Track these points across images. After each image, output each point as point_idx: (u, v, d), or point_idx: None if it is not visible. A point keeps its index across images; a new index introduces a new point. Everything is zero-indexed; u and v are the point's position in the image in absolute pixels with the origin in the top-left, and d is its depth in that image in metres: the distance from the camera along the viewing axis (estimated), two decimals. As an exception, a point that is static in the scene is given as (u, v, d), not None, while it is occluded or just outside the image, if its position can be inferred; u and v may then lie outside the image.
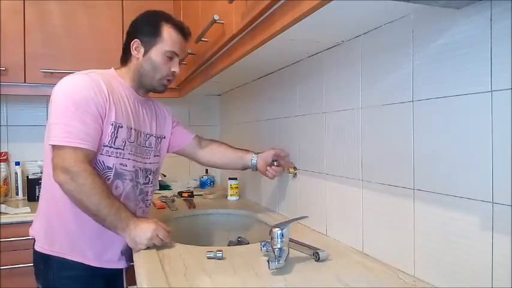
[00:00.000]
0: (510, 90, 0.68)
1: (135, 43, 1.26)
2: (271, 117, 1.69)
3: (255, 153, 1.49)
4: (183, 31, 1.29)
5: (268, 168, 1.44)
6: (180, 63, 1.31)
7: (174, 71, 1.28)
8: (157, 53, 1.25)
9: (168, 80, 1.30)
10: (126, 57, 1.30)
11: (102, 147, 1.16)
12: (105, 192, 1.09)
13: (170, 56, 1.26)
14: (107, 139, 1.16)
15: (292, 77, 1.49)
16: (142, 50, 1.26)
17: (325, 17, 0.88)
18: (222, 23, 1.20)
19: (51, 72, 1.94)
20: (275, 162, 1.46)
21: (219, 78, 1.70)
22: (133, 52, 1.27)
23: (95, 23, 2.04)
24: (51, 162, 1.11)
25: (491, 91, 0.71)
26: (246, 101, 2.04)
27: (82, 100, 1.11)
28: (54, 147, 1.10)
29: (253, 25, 1.04)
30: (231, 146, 1.56)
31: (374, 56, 1.03)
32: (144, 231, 1.10)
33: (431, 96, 0.84)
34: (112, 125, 1.17)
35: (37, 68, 1.93)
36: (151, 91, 1.33)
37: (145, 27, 1.27)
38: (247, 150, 1.52)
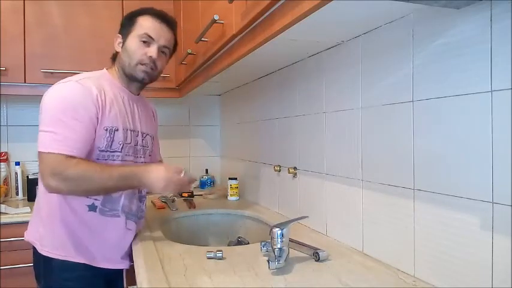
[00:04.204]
0: (510, 90, 0.68)
1: (117, 38, 1.27)
2: (271, 117, 1.69)
3: None
4: (160, 16, 1.25)
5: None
6: (160, 50, 1.24)
7: (151, 56, 1.22)
8: (131, 39, 1.23)
9: (145, 65, 1.23)
10: (114, 56, 1.31)
11: (98, 152, 1.15)
12: (98, 171, 1.08)
13: (145, 40, 1.22)
14: (102, 144, 1.16)
15: (292, 77, 1.49)
16: (121, 42, 1.26)
17: (326, 17, 0.88)
18: (222, 23, 1.20)
19: (51, 72, 1.94)
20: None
21: (219, 78, 1.70)
22: (116, 47, 1.27)
23: (95, 23, 2.04)
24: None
25: (491, 91, 0.71)
26: (246, 101, 2.04)
27: (71, 108, 1.10)
28: (40, 154, 1.08)
29: (253, 25, 1.04)
30: None
31: (374, 56, 1.03)
32: (156, 182, 1.11)
33: (431, 96, 0.84)
34: (106, 130, 1.16)
35: (37, 68, 1.93)
36: (135, 81, 1.28)
37: (123, 22, 1.28)
38: None
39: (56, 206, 1.17)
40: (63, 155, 1.06)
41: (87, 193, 1.15)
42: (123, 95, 1.26)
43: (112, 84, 1.24)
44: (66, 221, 1.17)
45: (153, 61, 1.23)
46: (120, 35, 1.27)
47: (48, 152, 1.07)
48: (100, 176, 1.08)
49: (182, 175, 1.16)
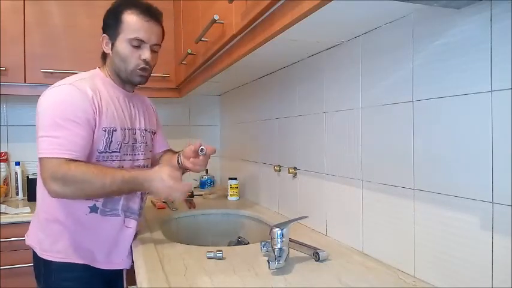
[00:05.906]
0: (510, 90, 0.68)
1: (104, 39, 1.22)
2: (271, 117, 1.69)
3: (179, 152, 1.40)
4: (147, 13, 1.18)
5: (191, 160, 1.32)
6: (151, 49, 1.21)
7: (145, 59, 1.19)
8: (121, 43, 1.18)
9: (142, 69, 1.21)
10: (104, 54, 1.27)
11: (98, 153, 1.15)
12: (100, 174, 1.06)
13: (136, 45, 1.18)
14: (101, 145, 1.15)
15: (292, 77, 1.49)
16: (110, 44, 1.21)
17: (326, 17, 0.88)
18: (222, 23, 1.20)
19: (51, 72, 1.93)
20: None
21: (219, 78, 1.70)
22: (104, 48, 1.23)
23: (95, 23, 2.00)
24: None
25: (491, 91, 0.71)
26: (246, 101, 2.04)
27: (68, 111, 1.08)
28: (41, 160, 1.07)
29: (253, 25, 1.04)
30: (173, 152, 1.49)
31: (374, 56, 1.03)
32: (160, 190, 1.10)
33: (431, 96, 0.84)
34: (105, 130, 1.15)
35: (37, 68, 1.93)
36: (132, 84, 1.28)
37: (108, 20, 1.21)
38: (175, 152, 1.45)
39: (54, 210, 1.17)
40: (64, 159, 1.05)
41: (89, 197, 1.13)
42: (118, 94, 1.24)
43: (106, 83, 1.22)
44: (64, 225, 1.17)
45: (148, 63, 1.21)
46: (106, 35, 1.22)
47: (49, 157, 1.06)
48: (102, 179, 1.06)
49: (200, 151, 1.27)
